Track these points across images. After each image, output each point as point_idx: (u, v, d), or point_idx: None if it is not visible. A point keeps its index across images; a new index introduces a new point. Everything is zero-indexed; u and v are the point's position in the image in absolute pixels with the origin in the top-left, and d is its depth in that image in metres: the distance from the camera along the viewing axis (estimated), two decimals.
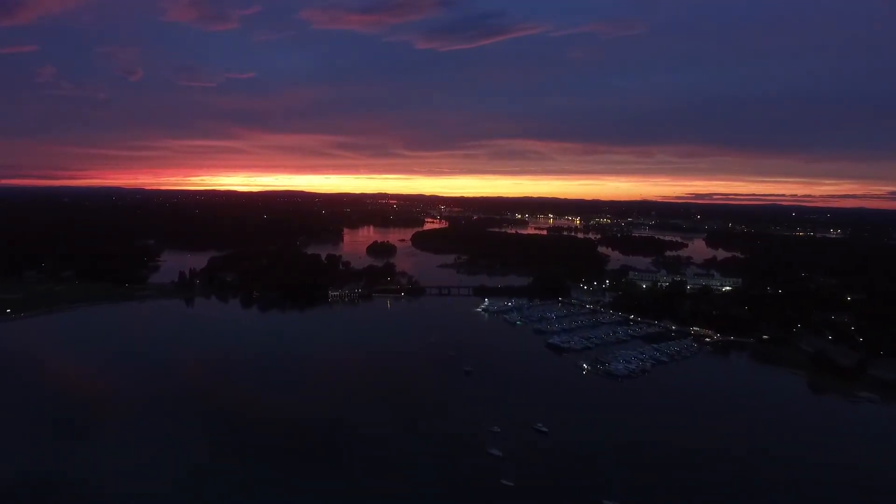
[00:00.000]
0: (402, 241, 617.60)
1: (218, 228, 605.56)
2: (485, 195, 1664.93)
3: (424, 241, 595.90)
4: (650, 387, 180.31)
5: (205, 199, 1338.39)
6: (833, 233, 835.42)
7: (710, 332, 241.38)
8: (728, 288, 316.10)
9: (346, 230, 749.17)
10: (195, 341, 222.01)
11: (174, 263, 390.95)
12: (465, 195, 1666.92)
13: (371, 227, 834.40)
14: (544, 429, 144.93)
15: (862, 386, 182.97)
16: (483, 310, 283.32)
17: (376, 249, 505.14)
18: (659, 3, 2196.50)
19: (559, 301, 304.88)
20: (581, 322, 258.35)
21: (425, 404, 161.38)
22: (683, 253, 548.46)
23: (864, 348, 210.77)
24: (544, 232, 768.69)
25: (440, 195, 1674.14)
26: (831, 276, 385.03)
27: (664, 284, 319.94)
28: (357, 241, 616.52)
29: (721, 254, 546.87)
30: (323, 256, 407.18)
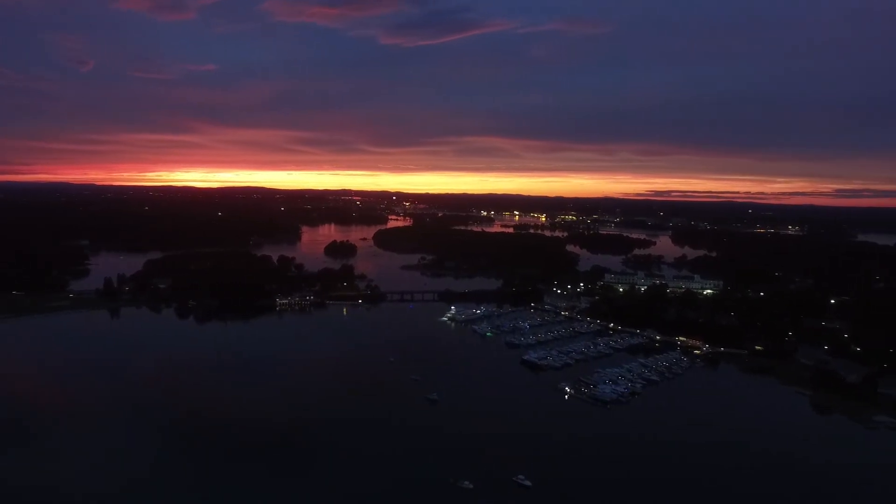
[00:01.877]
0: (364, 240, 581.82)
1: (165, 227, 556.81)
2: (450, 192, 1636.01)
3: (387, 240, 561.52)
4: (644, 416, 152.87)
5: (159, 195, 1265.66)
6: (790, 229, 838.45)
7: (697, 342, 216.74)
8: (709, 291, 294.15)
9: (305, 228, 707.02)
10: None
11: (107, 267, 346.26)
12: (431, 192, 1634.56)
13: (332, 225, 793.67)
14: (526, 482, 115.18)
15: (875, 408, 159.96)
16: (449, 319, 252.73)
17: (335, 250, 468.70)
18: (624, 2, 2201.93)
19: (532, 307, 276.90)
20: (557, 332, 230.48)
21: (381, 452, 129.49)
22: (652, 251, 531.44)
23: (867, 361, 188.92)
24: (511, 229, 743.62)
25: (405, 192, 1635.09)
26: (806, 275, 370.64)
27: (642, 288, 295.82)
28: (316, 241, 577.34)
29: (689, 251, 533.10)
30: (275, 258, 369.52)
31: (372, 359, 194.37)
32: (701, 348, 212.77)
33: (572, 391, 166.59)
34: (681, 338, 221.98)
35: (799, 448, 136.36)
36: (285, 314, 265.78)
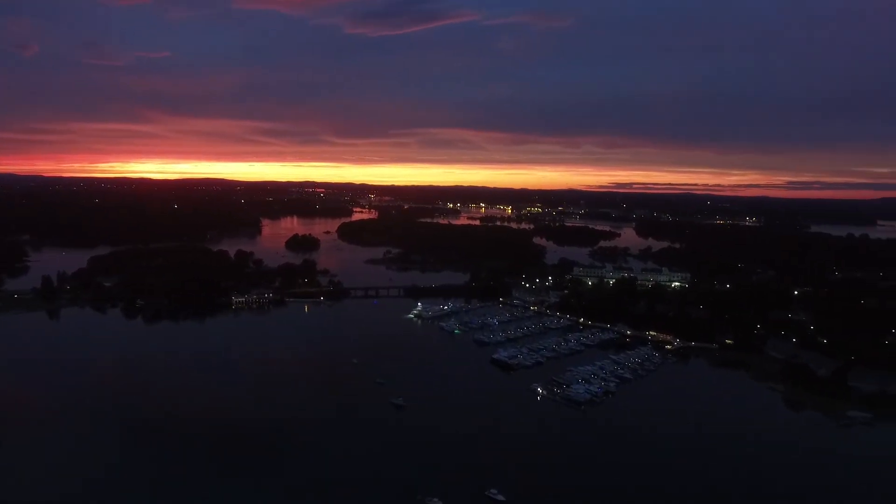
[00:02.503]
0: (328, 233, 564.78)
1: (116, 220, 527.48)
2: (416, 184, 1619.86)
3: (352, 233, 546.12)
4: (620, 417, 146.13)
5: (112, 186, 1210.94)
6: (748, 220, 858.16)
7: (668, 337, 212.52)
8: (677, 284, 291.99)
9: (266, 222, 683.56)
10: None
11: (49, 264, 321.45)
12: (396, 184, 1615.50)
13: (295, 218, 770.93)
14: (500, 496, 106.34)
15: (846, 402, 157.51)
16: (416, 315, 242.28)
17: (297, 244, 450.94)
18: None
19: (500, 302, 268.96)
20: (527, 329, 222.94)
21: (340, 465, 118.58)
22: (617, 243, 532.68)
23: (833, 354, 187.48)
24: (477, 221, 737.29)
25: (370, 184, 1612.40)
26: (766, 266, 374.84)
27: (611, 281, 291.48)
28: (278, 234, 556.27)
29: (653, 243, 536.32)
30: (232, 253, 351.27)
31: (333, 360, 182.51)
32: (672, 343, 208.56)
33: (545, 392, 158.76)
34: (651, 332, 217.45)
35: (779, 449, 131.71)
36: (242, 313, 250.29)
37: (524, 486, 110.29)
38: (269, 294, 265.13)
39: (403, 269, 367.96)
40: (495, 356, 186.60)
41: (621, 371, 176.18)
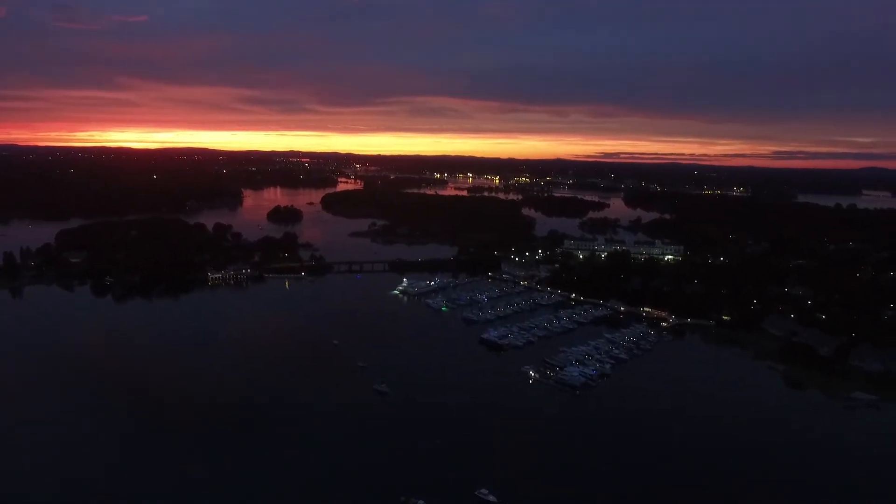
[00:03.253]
0: (312, 204, 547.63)
1: (91, 192, 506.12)
2: (403, 153, 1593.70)
3: (336, 205, 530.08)
4: (617, 402, 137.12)
5: (89, 156, 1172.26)
6: (735, 190, 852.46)
7: (663, 313, 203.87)
8: (671, 257, 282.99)
9: (248, 192, 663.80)
10: None
11: (16, 238, 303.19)
12: (383, 153, 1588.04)
13: (278, 189, 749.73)
14: (490, 497, 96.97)
15: (850, 383, 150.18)
16: (401, 292, 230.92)
17: (279, 216, 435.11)
18: None
19: (489, 277, 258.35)
20: (517, 305, 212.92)
21: (319, 462, 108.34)
22: (607, 214, 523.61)
23: (833, 331, 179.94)
24: (465, 192, 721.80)
25: (356, 153, 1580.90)
26: (759, 237, 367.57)
27: (603, 255, 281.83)
28: (260, 206, 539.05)
29: (642, 214, 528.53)
30: (210, 226, 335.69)
31: (313, 341, 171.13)
32: (667, 320, 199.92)
33: (537, 375, 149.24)
34: (646, 308, 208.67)
35: (783, 434, 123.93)
36: (219, 289, 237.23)
37: (517, 485, 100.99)
38: (247, 269, 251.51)
39: (389, 242, 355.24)
40: (484, 336, 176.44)
41: (616, 351, 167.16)
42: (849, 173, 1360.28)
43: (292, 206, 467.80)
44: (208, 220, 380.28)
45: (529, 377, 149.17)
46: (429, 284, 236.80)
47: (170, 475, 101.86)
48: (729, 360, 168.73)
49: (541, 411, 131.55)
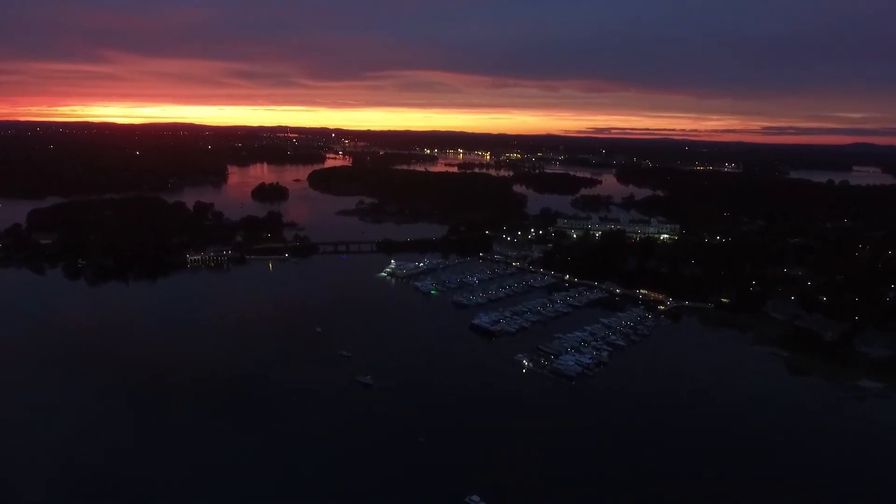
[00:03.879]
0: (298, 181, 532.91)
1: (70, 169, 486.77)
2: (392, 129, 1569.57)
3: (324, 182, 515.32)
4: (615, 394, 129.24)
5: (71, 131, 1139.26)
6: (727, 167, 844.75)
7: (660, 296, 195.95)
8: (666, 236, 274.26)
9: (234, 169, 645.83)
10: None
11: None
12: (372, 129, 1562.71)
13: (265, 165, 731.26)
14: None
15: (856, 369, 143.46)
16: (389, 274, 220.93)
17: (264, 194, 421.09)
18: None
19: (480, 258, 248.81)
20: (509, 288, 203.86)
21: (294, 463, 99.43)
22: (599, 191, 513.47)
23: (834, 314, 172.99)
24: (455, 169, 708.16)
25: (345, 128, 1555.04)
26: (754, 215, 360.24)
27: (597, 234, 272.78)
28: (246, 183, 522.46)
29: (635, 190, 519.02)
30: (190, 205, 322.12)
31: (295, 328, 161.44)
32: (664, 303, 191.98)
33: (531, 364, 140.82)
34: (642, 291, 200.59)
35: (789, 426, 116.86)
36: (198, 272, 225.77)
37: (509, 490, 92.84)
38: (227, 251, 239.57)
39: (377, 220, 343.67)
40: (475, 321, 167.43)
41: (613, 337, 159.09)
42: (839, 149, 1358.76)
43: (277, 183, 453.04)
44: (190, 198, 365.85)
45: (523, 366, 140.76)
46: (417, 266, 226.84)
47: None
48: (730, 346, 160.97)
49: (535, 405, 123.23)
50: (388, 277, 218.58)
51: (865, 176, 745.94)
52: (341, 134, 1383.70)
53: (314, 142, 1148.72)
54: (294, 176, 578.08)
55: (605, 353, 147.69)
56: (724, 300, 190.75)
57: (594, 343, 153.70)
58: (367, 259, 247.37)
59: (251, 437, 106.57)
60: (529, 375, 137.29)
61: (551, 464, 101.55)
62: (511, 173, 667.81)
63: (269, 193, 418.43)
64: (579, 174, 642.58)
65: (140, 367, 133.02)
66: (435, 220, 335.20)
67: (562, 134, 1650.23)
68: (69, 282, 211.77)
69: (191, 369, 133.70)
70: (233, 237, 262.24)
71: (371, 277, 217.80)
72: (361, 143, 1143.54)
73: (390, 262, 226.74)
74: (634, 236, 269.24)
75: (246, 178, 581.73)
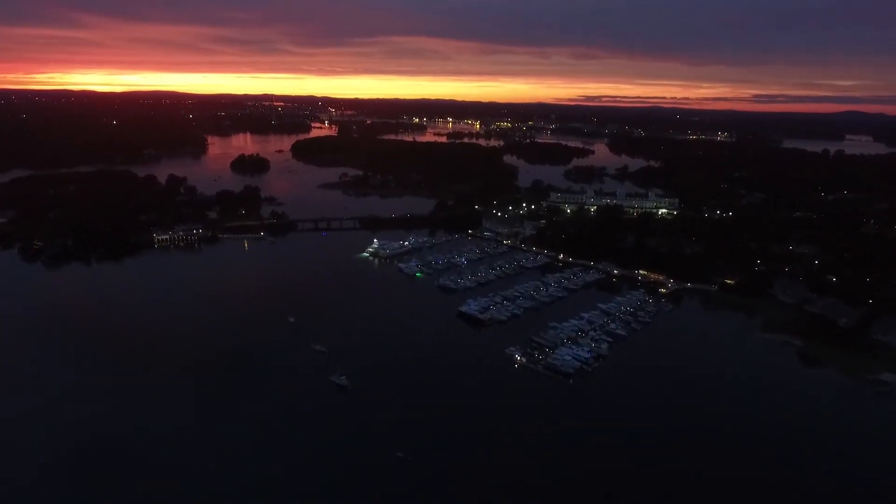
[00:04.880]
0: (281, 152, 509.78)
1: (39, 140, 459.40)
2: (380, 97, 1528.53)
3: (308, 152, 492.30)
4: (618, 393, 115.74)
5: (48, 100, 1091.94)
6: (719, 136, 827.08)
7: (661, 277, 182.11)
8: (665, 210, 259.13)
9: (215, 139, 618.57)
10: None
11: None
12: (360, 97, 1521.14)
13: (248, 135, 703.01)
14: None
15: (875, 361, 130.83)
16: (371, 254, 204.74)
17: (243, 165, 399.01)
18: None
19: (469, 235, 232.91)
20: (500, 270, 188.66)
21: (251, 483, 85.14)
22: (592, 162, 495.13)
23: (849, 297, 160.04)
24: (444, 138, 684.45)
25: (332, 97, 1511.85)
26: (751, 186, 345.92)
27: (592, 209, 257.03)
28: (227, 154, 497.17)
29: (628, 160, 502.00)
30: (163, 178, 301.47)
31: (266, 318, 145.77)
32: (665, 284, 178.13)
33: (524, 359, 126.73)
34: (641, 271, 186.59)
35: (809, 429, 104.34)
36: (167, 252, 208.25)
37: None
38: (198, 230, 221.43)
39: (361, 194, 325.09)
40: (463, 308, 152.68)
41: (612, 325, 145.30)
42: (830, 117, 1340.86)
43: (258, 154, 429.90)
44: (165, 170, 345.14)
45: (515, 361, 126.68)
46: (402, 245, 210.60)
47: None
48: (737, 334, 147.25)
49: (528, 409, 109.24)
50: (371, 258, 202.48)
51: (858, 145, 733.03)
52: (328, 102, 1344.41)
53: (300, 110, 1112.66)
54: (278, 146, 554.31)
55: (604, 345, 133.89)
56: (728, 281, 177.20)
57: (592, 333, 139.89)
58: (349, 237, 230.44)
59: (196, 463, 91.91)
60: (522, 373, 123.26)
61: (550, 489, 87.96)
62: (501, 143, 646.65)
63: (248, 165, 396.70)
64: (571, 144, 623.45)
65: (83, 354, 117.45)
66: (422, 194, 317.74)
67: (553, 102, 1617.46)
68: (25, 265, 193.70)
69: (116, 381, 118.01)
70: (205, 214, 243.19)
71: (352, 258, 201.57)
72: (349, 112, 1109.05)
73: (373, 242, 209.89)
74: (632, 211, 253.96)
75: (227, 148, 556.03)
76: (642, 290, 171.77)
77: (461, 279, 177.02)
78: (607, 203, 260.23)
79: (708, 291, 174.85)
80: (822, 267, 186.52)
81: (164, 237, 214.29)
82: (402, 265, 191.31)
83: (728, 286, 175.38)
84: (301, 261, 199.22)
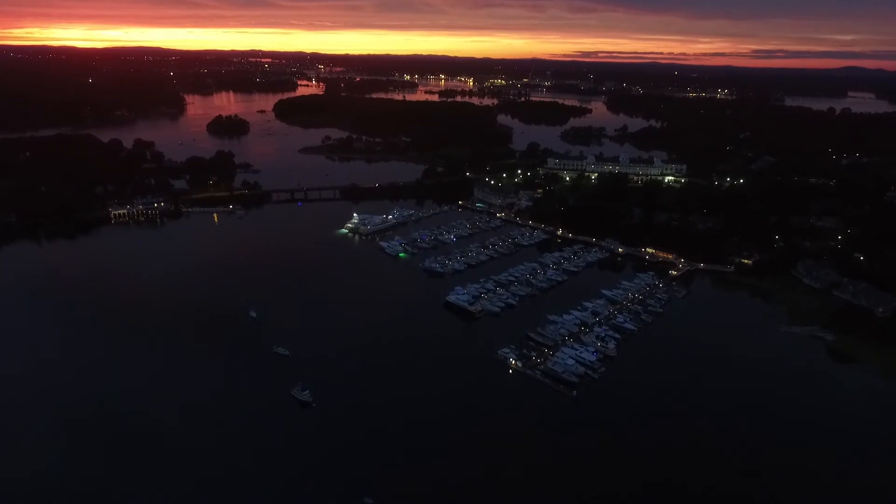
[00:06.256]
0: (263, 112, 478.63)
1: (4, 101, 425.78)
2: (371, 53, 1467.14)
3: (291, 112, 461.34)
4: (631, 409, 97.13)
5: (25, 56, 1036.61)
6: (720, 93, 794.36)
7: (670, 256, 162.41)
8: (672, 178, 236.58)
9: (195, 99, 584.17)
10: None
11: None
12: (351, 53, 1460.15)
13: (231, 94, 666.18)
14: None
15: None
16: (351, 230, 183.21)
17: (221, 127, 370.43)
18: None
19: (459, 206, 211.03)
20: (492, 248, 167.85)
21: None
22: (590, 121, 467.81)
23: (882, 280, 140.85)
24: (436, 97, 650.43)
25: (322, 53, 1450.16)
26: (759, 148, 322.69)
27: (593, 176, 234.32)
28: (207, 115, 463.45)
29: (628, 121, 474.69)
30: (130, 142, 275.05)
31: (223, 312, 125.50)
32: (676, 265, 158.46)
33: (519, 363, 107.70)
34: (649, 249, 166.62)
35: (855, 451, 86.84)
36: (126, 228, 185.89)
37: None
38: (160, 202, 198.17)
39: (345, 159, 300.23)
40: (451, 298, 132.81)
41: (619, 318, 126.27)
42: (830, 73, 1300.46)
43: (237, 116, 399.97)
44: (136, 134, 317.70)
45: (509, 366, 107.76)
46: (385, 219, 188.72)
47: None
48: (761, 328, 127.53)
49: (523, 434, 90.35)
50: (350, 234, 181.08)
51: (862, 103, 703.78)
52: (317, 59, 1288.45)
53: (288, 67, 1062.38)
54: (262, 105, 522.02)
55: (611, 344, 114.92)
56: (745, 261, 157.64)
57: (597, 329, 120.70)
58: (328, 209, 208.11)
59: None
60: (517, 381, 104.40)
61: None
62: (495, 101, 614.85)
63: (226, 128, 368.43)
64: (568, 102, 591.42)
65: None
66: (411, 159, 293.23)
67: (548, 58, 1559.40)
68: None
69: (53, 399, 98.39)
70: (171, 184, 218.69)
71: (329, 235, 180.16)
72: (338, 69, 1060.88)
73: (353, 216, 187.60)
74: (636, 179, 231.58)
75: (208, 108, 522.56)
76: (651, 273, 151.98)
77: (449, 261, 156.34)
78: (610, 170, 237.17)
79: (723, 273, 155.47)
80: (848, 244, 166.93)
81: (122, 211, 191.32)
82: (384, 244, 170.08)
83: (745, 267, 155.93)
84: (272, 238, 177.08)
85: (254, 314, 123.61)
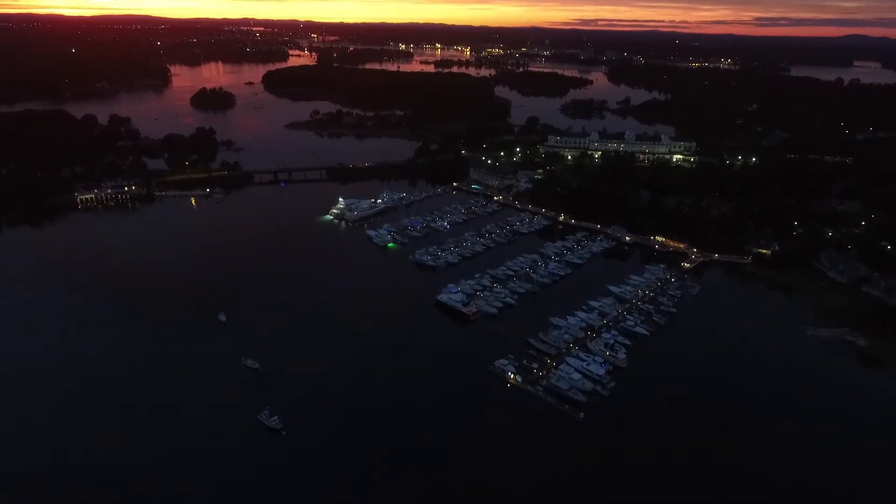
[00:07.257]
0: (251, 84, 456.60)
1: None
2: (367, 21, 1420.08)
3: (280, 84, 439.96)
4: (647, 433, 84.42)
5: (6, 25, 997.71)
6: (723, 63, 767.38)
7: (682, 245, 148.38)
8: (680, 157, 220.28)
9: (182, 70, 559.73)
10: None
11: None
12: (346, 21, 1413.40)
13: (220, 64, 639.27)
14: None
15: None
16: (336, 216, 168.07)
17: (205, 101, 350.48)
18: None
19: (454, 189, 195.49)
20: (489, 237, 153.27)
21: None
22: (591, 93, 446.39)
23: None
24: (431, 67, 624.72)
25: (316, 21, 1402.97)
26: (768, 122, 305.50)
27: (597, 154, 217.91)
28: (193, 87, 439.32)
29: (630, 92, 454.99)
30: (106, 118, 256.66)
31: (186, 315, 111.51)
32: (688, 255, 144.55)
33: (517, 378, 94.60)
34: (658, 237, 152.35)
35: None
36: (93, 214, 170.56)
37: None
38: (130, 186, 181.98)
39: (335, 135, 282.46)
40: (442, 297, 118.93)
41: (629, 320, 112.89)
42: (834, 41, 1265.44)
43: (222, 88, 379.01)
44: (116, 108, 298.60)
45: (506, 379, 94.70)
46: (373, 204, 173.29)
47: None
48: (785, 330, 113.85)
49: (521, 470, 77.74)
50: (335, 221, 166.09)
51: (868, 73, 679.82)
52: (311, 27, 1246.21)
53: (280, 36, 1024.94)
54: (251, 77, 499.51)
55: (621, 353, 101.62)
56: (764, 251, 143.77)
57: (605, 334, 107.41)
58: (314, 191, 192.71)
59: None
60: (515, 395, 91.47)
61: None
62: (493, 72, 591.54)
63: (211, 101, 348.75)
64: (567, 73, 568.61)
65: None
66: (403, 135, 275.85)
67: (547, 26, 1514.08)
68: None
69: None
70: (144, 166, 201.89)
71: (312, 222, 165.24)
72: (332, 38, 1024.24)
73: (339, 200, 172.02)
74: (643, 158, 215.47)
75: (195, 80, 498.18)
76: (661, 266, 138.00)
77: (442, 252, 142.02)
78: (614, 148, 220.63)
79: (739, 264, 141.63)
80: (873, 232, 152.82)
81: (89, 196, 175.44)
82: (371, 232, 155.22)
83: (764, 258, 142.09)
84: (250, 226, 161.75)
85: (223, 318, 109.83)
